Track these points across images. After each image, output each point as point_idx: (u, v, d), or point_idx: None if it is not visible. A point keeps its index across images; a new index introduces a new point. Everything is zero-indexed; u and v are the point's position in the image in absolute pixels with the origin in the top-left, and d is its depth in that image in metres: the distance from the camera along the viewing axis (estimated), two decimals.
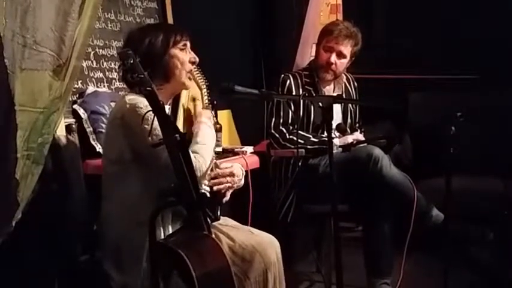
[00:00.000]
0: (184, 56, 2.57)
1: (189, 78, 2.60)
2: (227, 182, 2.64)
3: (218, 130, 2.79)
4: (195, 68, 2.64)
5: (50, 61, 2.35)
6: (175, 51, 2.54)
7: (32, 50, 2.27)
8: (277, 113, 3.61)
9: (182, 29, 2.61)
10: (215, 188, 2.60)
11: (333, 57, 3.61)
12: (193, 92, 2.70)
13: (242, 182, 2.74)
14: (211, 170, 2.59)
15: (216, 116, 2.77)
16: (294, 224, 3.61)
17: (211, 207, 2.35)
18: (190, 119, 2.66)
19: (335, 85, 3.78)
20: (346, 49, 3.63)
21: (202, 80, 2.71)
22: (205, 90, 2.73)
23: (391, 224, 3.38)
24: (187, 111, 2.66)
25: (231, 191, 2.68)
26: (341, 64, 3.65)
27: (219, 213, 2.48)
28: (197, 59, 2.61)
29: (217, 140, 2.76)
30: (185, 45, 2.58)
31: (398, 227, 3.35)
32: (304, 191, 3.51)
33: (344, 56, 3.63)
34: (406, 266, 3.30)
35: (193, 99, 2.70)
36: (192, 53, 2.61)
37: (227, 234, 2.61)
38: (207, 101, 2.73)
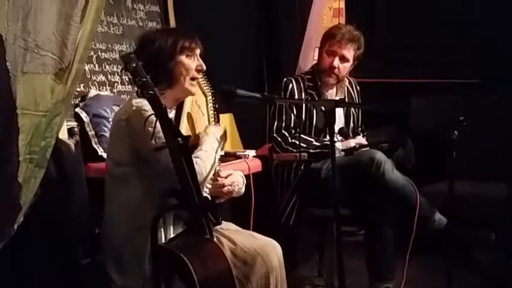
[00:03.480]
0: (190, 63, 2.56)
1: (192, 85, 2.59)
2: (228, 192, 2.65)
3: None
4: (200, 75, 2.63)
5: (52, 64, 2.35)
6: (181, 57, 2.53)
7: (34, 53, 2.27)
8: (279, 116, 3.61)
9: (193, 35, 2.60)
10: (214, 194, 2.61)
11: (336, 61, 3.61)
12: (198, 99, 2.70)
13: (243, 190, 2.74)
14: (214, 180, 2.59)
15: (218, 119, 2.77)
16: (296, 228, 3.60)
17: (213, 211, 2.35)
18: (193, 126, 2.66)
19: (337, 89, 3.77)
20: (349, 53, 3.63)
21: (207, 88, 2.72)
22: (210, 97, 2.73)
23: (394, 228, 3.37)
24: (190, 118, 2.66)
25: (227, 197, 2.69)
26: (344, 68, 3.64)
27: (219, 217, 2.48)
28: (204, 67, 2.60)
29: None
30: (193, 52, 2.57)
31: (401, 231, 3.34)
32: (306, 194, 3.51)
33: (347, 60, 3.63)
34: (409, 270, 3.29)
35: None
36: (200, 60, 2.60)
37: (229, 238, 2.61)
38: (212, 108, 2.73)
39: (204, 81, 2.70)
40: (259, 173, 3.45)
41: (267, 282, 2.55)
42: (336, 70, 3.62)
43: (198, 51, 2.59)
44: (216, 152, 2.54)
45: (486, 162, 4.10)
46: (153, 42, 2.52)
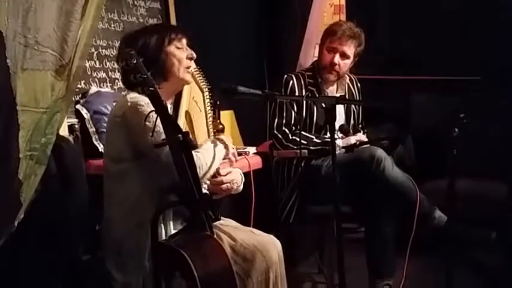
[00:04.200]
0: (181, 53, 2.56)
1: (187, 72, 2.60)
2: (226, 189, 2.65)
3: (221, 131, 2.79)
4: (195, 69, 2.64)
5: (52, 61, 2.35)
6: (170, 48, 2.54)
7: (34, 50, 2.27)
8: (280, 113, 3.61)
9: (177, 27, 2.61)
10: (212, 190, 2.61)
11: (337, 58, 3.60)
12: (195, 95, 2.70)
13: (241, 187, 2.75)
14: (213, 177, 2.59)
15: (218, 116, 2.77)
16: (296, 225, 3.60)
17: (212, 208, 2.36)
18: (191, 124, 2.67)
19: (338, 86, 3.77)
20: (350, 50, 3.62)
21: (204, 83, 2.72)
22: (207, 93, 2.74)
23: (394, 225, 3.38)
24: (189, 116, 2.67)
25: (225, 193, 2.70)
26: (344, 65, 3.64)
27: (218, 213, 2.48)
28: (194, 55, 2.60)
29: None
30: (181, 42, 2.57)
31: (401, 229, 3.34)
32: (306, 191, 3.50)
33: (347, 57, 3.62)
34: (409, 268, 3.29)
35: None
36: (189, 49, 2.60)
37: (229, 234, 2.61)
38: (209, 104, 2.74)
39: (201, 77, 2.71)
40: (260, 169, 3.45)
41: (267, 278, 2.55)
42: (337, 67, 3.61)
43: (185, 41, 2.59)
44: (215, 150, 2.54)
45: (486, 160, 4.10)
46: (137, 40, 2.51)
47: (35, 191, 2.41)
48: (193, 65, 2.62)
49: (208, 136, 2.75)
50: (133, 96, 2.41)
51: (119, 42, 2.65)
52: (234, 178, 2.69)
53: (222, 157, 2.61)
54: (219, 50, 4.07)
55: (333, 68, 3.62)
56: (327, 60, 3.63)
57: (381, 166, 3.29)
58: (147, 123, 2.23)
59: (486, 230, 3.37)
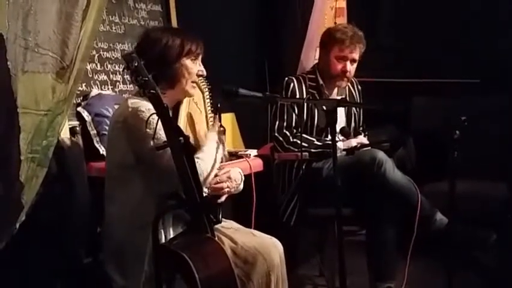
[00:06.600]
0: (194, 67, 2.58)
1: (193, 87, 2.61)
2: (227, 187, 2.64)
3: (222, 133, 2.79)
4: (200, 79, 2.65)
5: (53, 63, 2.35)
6: (186, 61, 2.55)
7: (34, 52, 2.28)
8: (281, 116, 3.61)
9: (199, 39, 2.61)
10: (213, 193, 2.61)
11: (348, 66, 3.61)
12: (195, 96, 2.70)
13: (241, 186, 2.74)
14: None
15: (220, 119, 2.77)
16: (297, 227, 3.60)
17: (214, 210, 2.36)
18: (192, 123, 2.67)
19: (339, 89, 3.77)
20: (358, 54, 3.65)
21: (204, 84, 2.72)
22: (207, 93, 2.74)
23: (395, 227, 3.37)
24: (191, 118, 2.67)
25: (227, 195, 2.69)
26: (353, 69, 3.67)
27: (220, 215, 2.48)
28: (205, 73, 2.63)
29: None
30: (197, 56, 2.59)
31: (402, 231, 3.34)
32: (307, 194, 3.50)
33: (356, 61, 3.65)
34: (410, 270, 3.29)
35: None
36: (202, 65, 2.62)
37: (230, 237, 2.61)
38: (209, 105, 2.74)
39: (201, 77, 2.71)
40: (261, 172, 3.45)
41: (268, 281, 2.55)
42: (348, 73, 3.63)
43: (200, 56, 2.61)
44: (217, 154, 2.54)
45: (487, 162, 4.10)
46: (159, 40, 2.52)
47: (36, 193, 2.41)
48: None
49: None
50: (134, 101, 2.41)
51: (142, 35, 2.64)
52: (233, 176, 2.68)
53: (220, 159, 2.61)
54: (220, 52, 4.07)
55: (345, 75, 3.63)
56: (338, 69, 3.61)
57: (382, 169, 3.29)
58: (148, 130, 2.23)
59: (487, 232, 3.37)
